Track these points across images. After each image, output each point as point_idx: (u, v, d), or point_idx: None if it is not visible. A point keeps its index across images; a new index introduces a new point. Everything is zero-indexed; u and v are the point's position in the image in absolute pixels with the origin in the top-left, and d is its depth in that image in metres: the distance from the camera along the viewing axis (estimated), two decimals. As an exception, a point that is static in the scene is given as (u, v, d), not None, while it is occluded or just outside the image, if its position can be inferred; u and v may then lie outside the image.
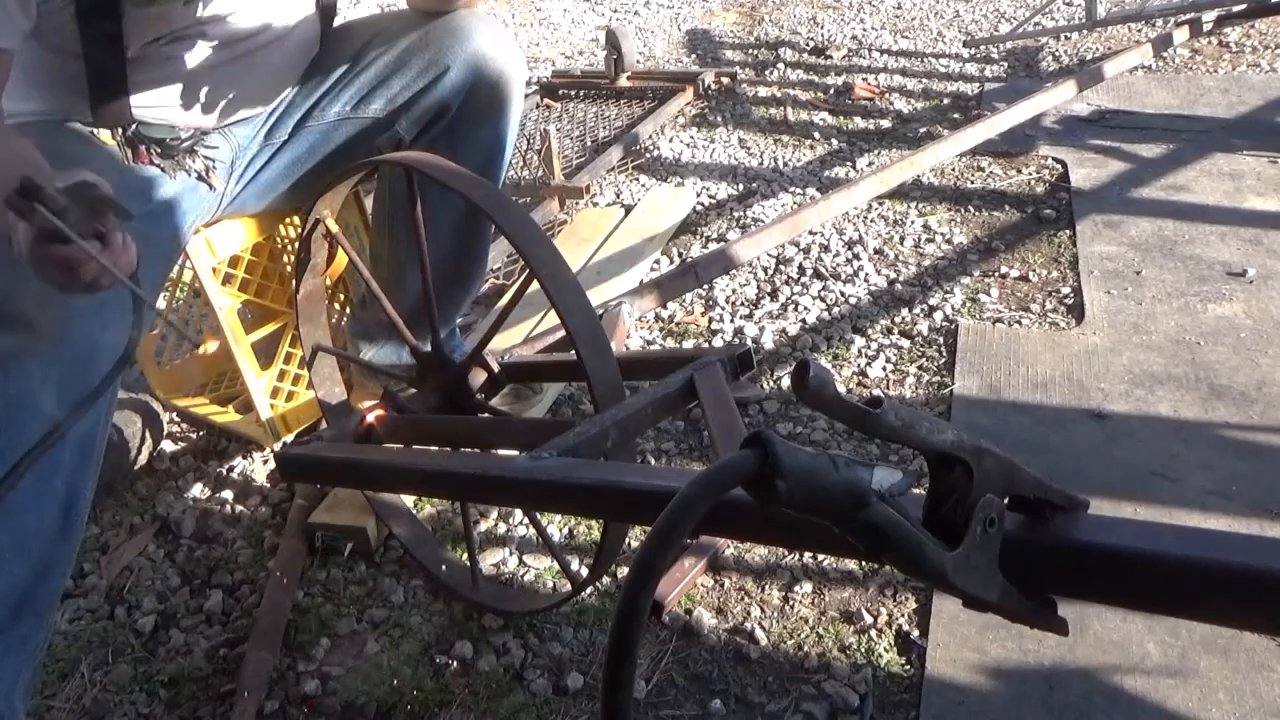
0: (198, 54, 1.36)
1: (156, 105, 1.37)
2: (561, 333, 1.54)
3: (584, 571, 1.45)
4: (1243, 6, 3.27)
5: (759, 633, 1.35)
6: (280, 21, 1.43)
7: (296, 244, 1.78)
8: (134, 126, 1.37)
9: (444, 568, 1.46)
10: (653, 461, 1.70)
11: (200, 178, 1.43)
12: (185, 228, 1.41)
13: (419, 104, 1.48)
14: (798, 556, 1.46)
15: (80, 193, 0.94)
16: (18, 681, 1.06)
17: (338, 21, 1.58)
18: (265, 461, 1.77)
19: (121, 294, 1.00)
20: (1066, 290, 2.08)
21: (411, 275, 1.63)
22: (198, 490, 1.72)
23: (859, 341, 1.97)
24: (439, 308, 1.64)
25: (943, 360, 1.89)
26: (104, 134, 1.37)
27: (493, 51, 1.47)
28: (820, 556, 1.45)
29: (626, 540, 1.41)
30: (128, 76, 1.31)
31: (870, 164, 2.76)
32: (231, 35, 1.38)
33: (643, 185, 2.76)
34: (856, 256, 2.27)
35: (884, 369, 1.88)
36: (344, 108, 1.52)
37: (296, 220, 1.76)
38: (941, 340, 1.95)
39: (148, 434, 1.75)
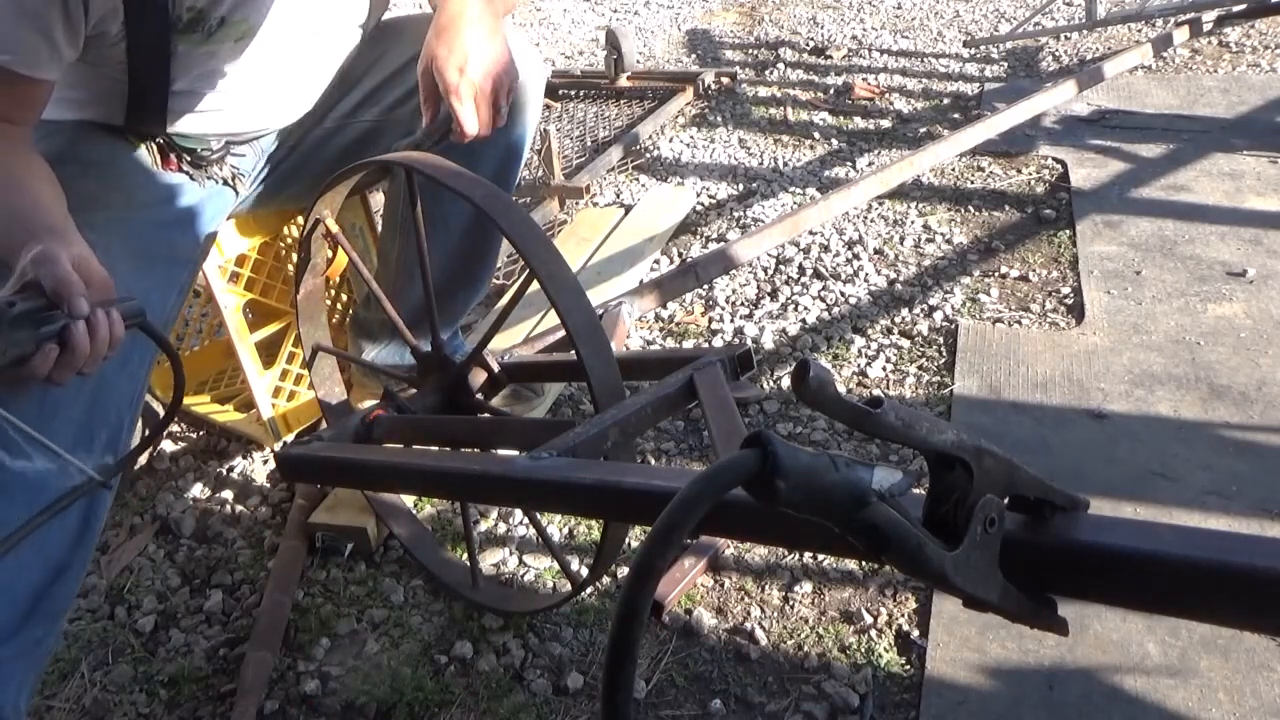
0: (236, 76, 1.36)
1: (190, 119, 1.36)
2: (561, 333, 1.54)
3: (584, 571, 1.45)
4: (1243, 6, 3.27)
5: (759, 633, 1.35)
6: (325, 38, 1.43)
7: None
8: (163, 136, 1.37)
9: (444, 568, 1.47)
10: (653, 461, 1.70)
11: (226, 183, 1.43)
12: (209, 233, 1.41)
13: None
14: (798, 556, 1.46)
15: (19, 304, 0.90)
16: (24, 688, 1.06)
17: None
18: (265, 461, 1.77)
19: (137, 334, 0.99)
20: (1066, 290, 2.08)
21: (420, 275, 1.62)
22: (198, 490, 1.72)
23: (859, 341, 1.97)
24: (447, 307, 1.64)
25: (943, 360, 1.89)
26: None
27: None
28: (820, 556, 1.45)
29: (626, 540, 1.41)
30: (169, 103, 1.30)
31: (870, 164, 2.76)
32: (271, 58, 1.37)
33: (643, 185, 2.76)
34: (856, 256, 2.27)
35: (884, 369, 1.88)
36: (362, 108, 1.52)
37: (300, 220, 1.76)
38: (941, 340, 1.95)
39: (147, 434, 1.75)
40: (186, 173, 1.38)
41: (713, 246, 2.34)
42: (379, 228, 1.78)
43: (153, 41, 1.20)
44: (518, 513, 1.59)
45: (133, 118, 1.31)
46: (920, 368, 1.88)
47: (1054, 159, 2.66)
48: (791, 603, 1.40)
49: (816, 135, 2.97)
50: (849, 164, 2.78)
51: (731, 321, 2.09)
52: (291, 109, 1.47)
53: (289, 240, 1.80)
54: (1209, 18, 3.34)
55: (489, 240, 1.64)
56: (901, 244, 2.32)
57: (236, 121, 1.41)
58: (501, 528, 1.58)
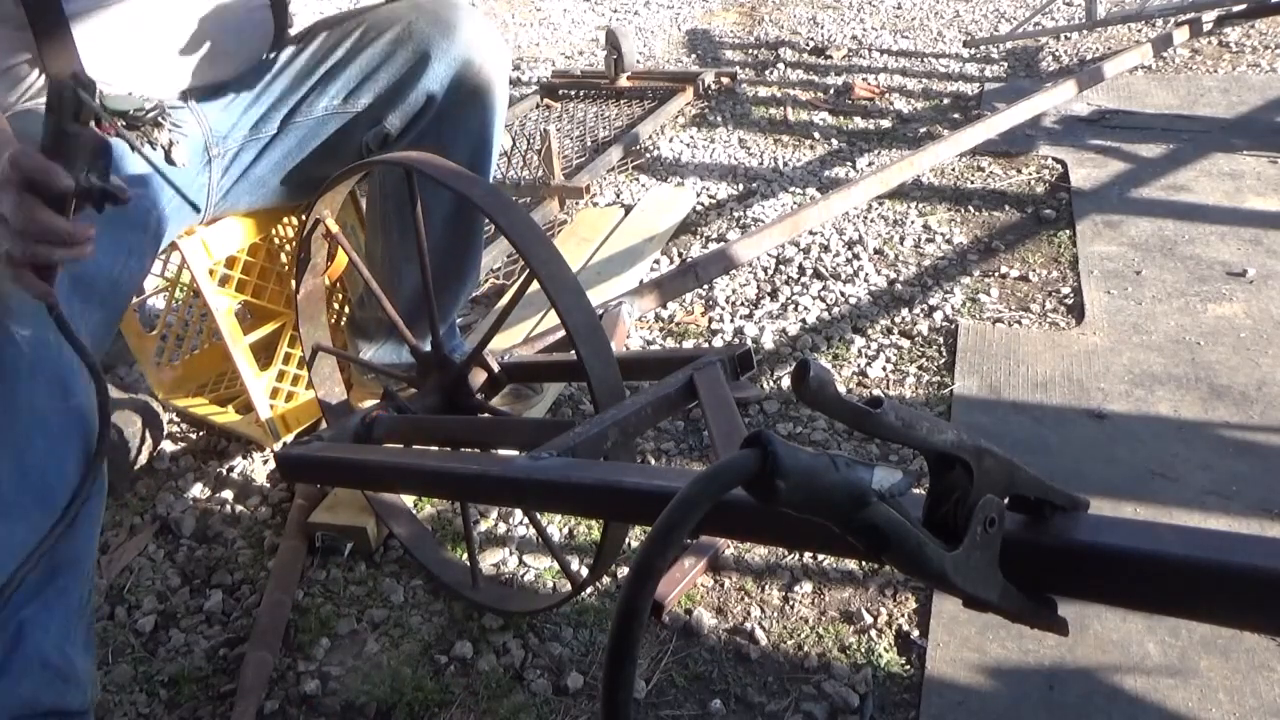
0: (135, 9, 1.36)
1: (104, 58, 1.35)
2: (561, 333, 1.54)
3: (584, 571, 1.45)
4: (1243, 6, 3.27)
5: (759, 633, 1.35)
6: None
7: (293, 244, 1.78)
8: (97, 99, 1.36)
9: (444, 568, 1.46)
10: (653, 461, 1.70)
11: (166, 156, 1.41)
12: (163, 221, 1.38)
13: (405, 97, 1.49)
14: (798, 556, 1.46)
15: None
16: (68, 634, 1.06)
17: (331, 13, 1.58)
18: (265, 461, 1.77)
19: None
20: (1066, 290, 2.08)
21: (407, 272, 1.63)
22: (198, 490, 1.72)
23: (859, 341, 1.97)
24: (436, 303, 1.64)
25: (943, 360, 1.89)
26: None
27: (476, 43, 1.48)
28: (820, 556, 1.44)
29: (626, 540, 1.41)
30: (68, 18, 1.30)
31: (870, 164, 2.76)
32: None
33: (643, 185, 2.76)
34: (856, 256, 2.27)
35: (884, 369, 1.88)
36: (331, 101, 1.52)
37: (293, 220, 1.76)
38: (941, 340, 1.95)
39: (148, 434, 1.75)
40: (123, 137, 1.37)
41: (713, 246, 2.34)
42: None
43: None
44: (518, 513, 1.59)
45: (45, 53, 1.31)
46: (920, 368, 1.88)
47: (1054, 159, 2.66)
48: (791, 603, 1.39)
49: (816, 135, 2.97)
50: (849, 164, 2.78)
51: (731, 321, 2.08)
52: (206, 66, 1.46)
53: (278, 240, 1.80)
54: (1209, 18, 3.34)
55: (472, 233, 1.64)
56: (901, 244, 2.32)
57: (149, 64, 1.40)
58: (501, 528, 1.58)
